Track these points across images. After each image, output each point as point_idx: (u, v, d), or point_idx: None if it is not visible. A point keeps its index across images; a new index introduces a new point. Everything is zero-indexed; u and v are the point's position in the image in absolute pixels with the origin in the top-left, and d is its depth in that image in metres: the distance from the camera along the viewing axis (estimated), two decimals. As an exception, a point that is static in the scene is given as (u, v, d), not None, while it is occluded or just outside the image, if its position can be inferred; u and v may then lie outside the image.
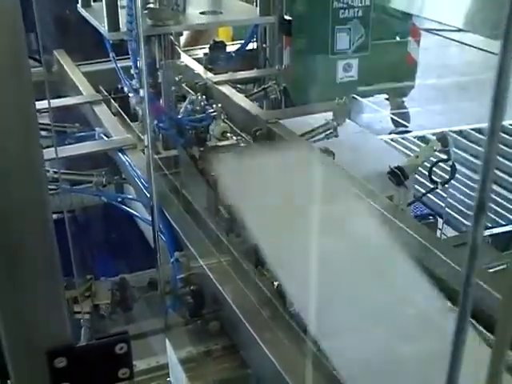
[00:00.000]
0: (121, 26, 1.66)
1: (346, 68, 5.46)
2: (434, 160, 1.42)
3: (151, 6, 1.59)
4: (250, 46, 2.59)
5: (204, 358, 1.07)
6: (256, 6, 1.90)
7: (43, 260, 0.91)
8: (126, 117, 1.91)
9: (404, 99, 5.68)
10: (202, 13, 1.75)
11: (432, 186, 1.45)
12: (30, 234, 0.89)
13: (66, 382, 0.98)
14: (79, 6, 1.89)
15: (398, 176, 1.32)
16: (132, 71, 1.66)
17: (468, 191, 2.51)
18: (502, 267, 1.23)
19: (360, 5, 5.26)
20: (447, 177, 1.53)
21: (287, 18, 2.52)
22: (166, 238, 1.32)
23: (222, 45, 2.64)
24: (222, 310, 1.14)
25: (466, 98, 6.00)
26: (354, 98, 3.94)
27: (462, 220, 2.38)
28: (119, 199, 1.60)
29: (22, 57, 0.76)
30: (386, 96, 5.62)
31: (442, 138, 1.35)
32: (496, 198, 2.54)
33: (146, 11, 1.55)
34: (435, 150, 1.35)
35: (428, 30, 6.69)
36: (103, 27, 1.62)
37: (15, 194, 0.85)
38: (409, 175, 1.32)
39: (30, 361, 0.96)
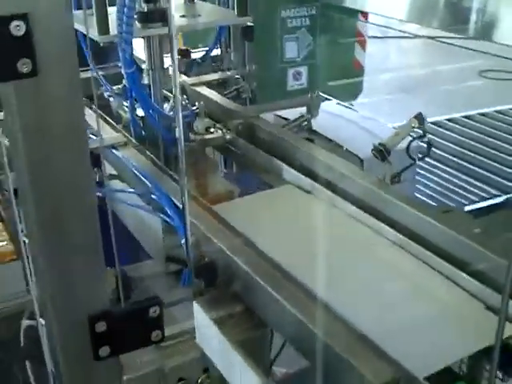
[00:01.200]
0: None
1: (295, 76, 5.62)
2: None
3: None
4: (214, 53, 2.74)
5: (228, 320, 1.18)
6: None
7: (88, 237, 1.01)
8: (109, 119, 2.00)
9: (353, 103, 5.88)
10: (182, 16, 1.86)
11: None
12: (78, 214, 0.99)
13: (105, 345, 1.06)
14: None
15: (381, 152, 1.46)
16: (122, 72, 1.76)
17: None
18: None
19: (307, 14, 5.43)
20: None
21: (249, 24, 2.66)
22: (176, 222, 1.42)
23: (187, 52, 2.76)
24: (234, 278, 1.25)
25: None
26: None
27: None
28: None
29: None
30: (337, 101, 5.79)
31: (419, 117, 1.49)
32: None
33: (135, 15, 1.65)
34: (413, 127, 1.49)
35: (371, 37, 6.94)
36: (92, 32, 1.70)
37: (67, 184, 0.95)
38: (390, 150, 1.46)
39: (74, 327, 1.05)
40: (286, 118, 2.11)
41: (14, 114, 0.91)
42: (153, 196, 1.54)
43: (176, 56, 1.02)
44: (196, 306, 1.14)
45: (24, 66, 0.87)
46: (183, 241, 1.39)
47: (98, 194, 1.72)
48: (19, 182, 0.97)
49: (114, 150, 1.76)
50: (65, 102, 0.93)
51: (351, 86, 5.77)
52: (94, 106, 2.13)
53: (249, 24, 2.79)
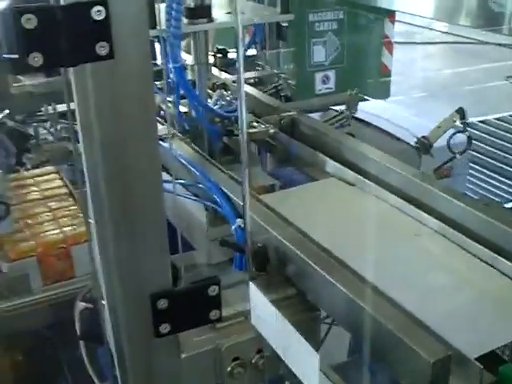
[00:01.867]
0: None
1: (324, 80, 5.66)
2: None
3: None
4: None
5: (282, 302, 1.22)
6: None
7: (154, 219, 1.06)
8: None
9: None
10: (227, 13, 1.91)
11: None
12: (147, 198, 1.04)
13: (166, 323, 1.11)
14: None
15: (424, 144, 1.49)
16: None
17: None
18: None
19: (334, 18, 5.47)
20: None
21: (284, 24, 2.74)
22: (225, 211, 1.46)
23: (225, 51, 2.83)
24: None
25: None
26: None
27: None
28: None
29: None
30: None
31: (460, 111, 1.52)
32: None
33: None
34: (454, 121, 1.52)
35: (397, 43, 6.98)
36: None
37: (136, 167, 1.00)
38: (433, 143, 1.49)
39: (136, 303, 1.09)
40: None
41: (89, 97, 0.96)
42: (201, 185, 1.58)
43: (242, 53, 1.07)
44: (252, 287, 1.17)
45: (102, 48, 0.92)
46: (233, 227, 1.43)
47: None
48: (91, 165, 1.02)
49: (160, 142, 1.81)
50: (137, 84, 0.98)
51: (379, 90, 5.79)
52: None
53: (283, 24, 2.85)
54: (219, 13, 1.89)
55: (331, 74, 5.64)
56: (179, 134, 1.89)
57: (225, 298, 1.22)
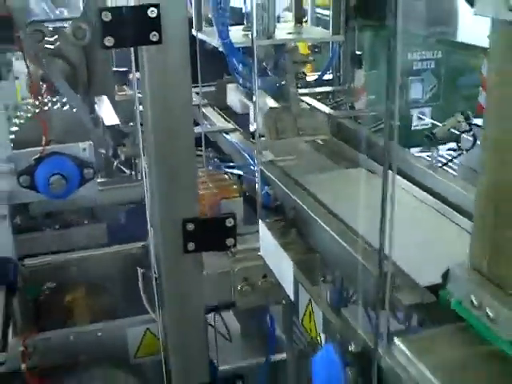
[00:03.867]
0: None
1: (419, 117, 6.00)
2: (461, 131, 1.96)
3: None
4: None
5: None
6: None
7: (186, 166, 1.52)
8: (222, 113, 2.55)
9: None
10: (288, 33, 2.37)
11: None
12: (182, 150, 1.50)
13: (192, 242, 1.55)
14: (193, 30, 2.55)
15: (431, 139, 1.87)
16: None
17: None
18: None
19: (432, 57, 5.83)
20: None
21: (358, 52, 3.15)
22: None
23: (304, 75, 3.28)
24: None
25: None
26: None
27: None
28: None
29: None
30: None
31: (465, 114, 1.89)
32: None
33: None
34: (459, 122, 1.88)
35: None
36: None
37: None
38: (439, 139, 1.87)
39: (170, 227, 1.54)
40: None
41: (145, 72, 1.44)
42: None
43: (255, 71, 1.51)
44: (261, 225, 1.59)
45: (154, 36, 1.40)
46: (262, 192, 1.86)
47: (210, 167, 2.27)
48: (145, 129, 1.50)
49: (225, 135, 2.29)
50: (178, 63, 1.45)
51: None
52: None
53: (357, 52, 3.28)
54: (281, 33, 2.36)
55: (427, 111, 5.99)
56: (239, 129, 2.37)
57: (244, 239, 1.64)
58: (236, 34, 2.32)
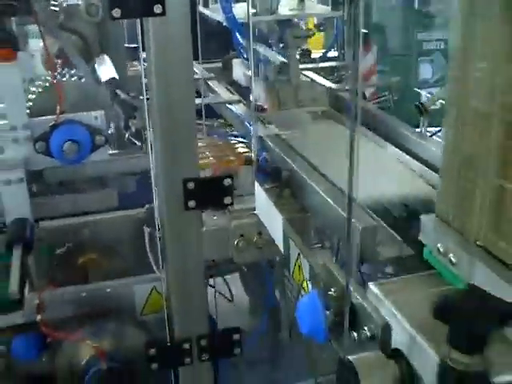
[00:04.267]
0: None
1: (427, 97, 6.08)
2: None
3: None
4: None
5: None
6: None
7: (187, 126, 1.65)
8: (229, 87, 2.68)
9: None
10: (291, 9, 2.49)
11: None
12: (183, 114, 1.63)
13: (193, 200, 1.68)
14: (200, 7, 2.68)
15: (420, 108, 2.01)
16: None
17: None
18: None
19: (442, 37, 5.91)
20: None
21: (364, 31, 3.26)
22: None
23: (309, 52, 3.40)
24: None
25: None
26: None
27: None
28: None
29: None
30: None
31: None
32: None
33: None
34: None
35: None
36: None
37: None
38: (427, 108, 2.00)
39: (172, 186, 1.68)
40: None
41: (151, 42, 1.57)
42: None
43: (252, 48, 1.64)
44: (257, 186, 1.73)
45: (158, 8, 1.52)
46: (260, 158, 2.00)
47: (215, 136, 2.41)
48: (150, 98, 1.63)
49: (229, 105, 2.42)
50: (181, 34, 1.58)
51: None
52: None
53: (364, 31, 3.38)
54: (284, 10, 2.48)
55: (435, 91, 6.07)
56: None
57: (242, 200, 1.78)
58: (241, 10, 2.44)
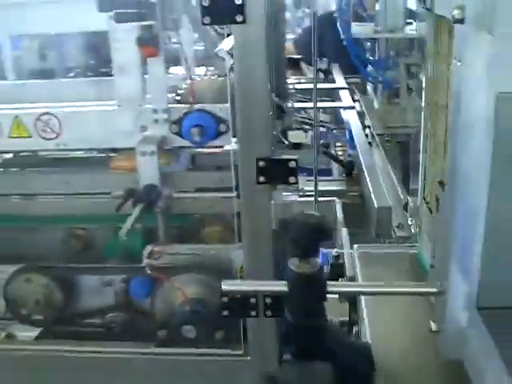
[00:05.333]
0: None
1: None
2: None
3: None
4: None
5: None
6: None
7: (261, 112, 2.02)
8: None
9: None
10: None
11: None
12: (259, 104, 2.01)
13: (263, 176, 2.04)
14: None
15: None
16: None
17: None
18: None
19: None
20: None
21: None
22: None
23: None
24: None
25: None
26: None
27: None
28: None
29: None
30: None
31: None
32: None
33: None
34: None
35: None
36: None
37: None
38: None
39: (249, 164, 2.05)
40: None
41: (237, 44, 1.98)
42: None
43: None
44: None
45: (239, 17, 1.92)
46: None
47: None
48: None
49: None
50: (258, 40, 1.96)
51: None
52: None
53: None
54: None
55: None
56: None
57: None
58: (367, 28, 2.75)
